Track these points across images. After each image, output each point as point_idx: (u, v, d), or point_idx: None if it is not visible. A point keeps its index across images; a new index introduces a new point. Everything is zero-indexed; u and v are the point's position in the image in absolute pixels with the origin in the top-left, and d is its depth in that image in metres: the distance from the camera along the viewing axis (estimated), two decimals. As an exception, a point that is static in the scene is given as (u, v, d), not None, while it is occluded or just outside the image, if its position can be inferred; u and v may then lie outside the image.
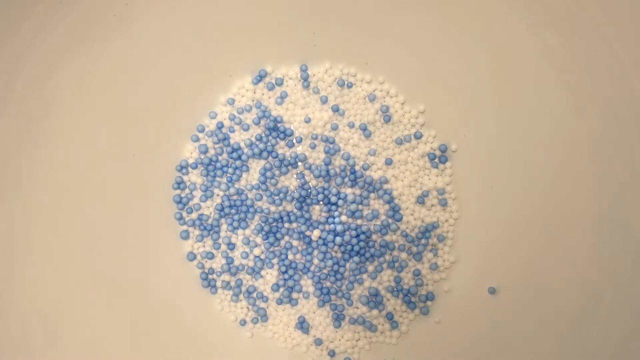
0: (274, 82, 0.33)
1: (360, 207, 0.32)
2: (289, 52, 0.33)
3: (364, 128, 0.33)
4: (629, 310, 0.27)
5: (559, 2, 0.27)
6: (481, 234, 0.32)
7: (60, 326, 0.29)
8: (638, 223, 0.27)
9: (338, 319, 0.33)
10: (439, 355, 0.32)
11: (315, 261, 0.33)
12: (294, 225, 0.33)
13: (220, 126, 0.33)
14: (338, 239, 0.32)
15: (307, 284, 0.33)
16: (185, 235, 0.33)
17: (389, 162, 0.33)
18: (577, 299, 0.28)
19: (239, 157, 0.33)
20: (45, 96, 0.29)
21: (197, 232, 0.33)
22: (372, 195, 0.33)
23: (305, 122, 0.33)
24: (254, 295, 0.33)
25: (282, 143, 0.33)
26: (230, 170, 0.33)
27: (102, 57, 0.30)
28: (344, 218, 0.32)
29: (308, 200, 0.32)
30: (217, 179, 0.33)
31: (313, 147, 0.33)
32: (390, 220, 0.32)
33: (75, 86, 0.30)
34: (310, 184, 0.33)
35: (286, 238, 0.33)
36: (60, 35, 0.28)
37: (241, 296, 0.33)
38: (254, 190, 0.33)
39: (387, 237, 0.32)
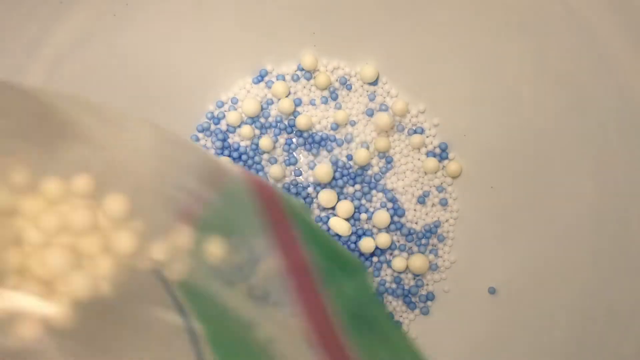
0: (274, 81, 0.33)
1: (363, 201, 0.32)
2: (289, 52, 0.33)
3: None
4: (629, 310, 0.27)
5: (558, 3, 0.27)
6: (481, 234, 0.32)
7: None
8: (638, 223, 0.27)
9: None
10: (439, 355, 0.32)
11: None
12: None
13: (220, 126, 0.33)
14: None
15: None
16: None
17: (389, 162, 0.33)
18: (577, 299, 0.28)
19: (239, 157, 0.33)
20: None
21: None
22: (373, 192, 0.33)
23: (306, 121, 0.33)
24: (254, 295, 0.33)
25: (281, 142, 0.33)
26: (230, 170, 0.33)
27: (101, 57, 0.30)
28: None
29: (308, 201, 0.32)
30: (217, 178, 0.33)
31: (313, 146, 0.33)
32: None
33: (75, 86, 0.30)
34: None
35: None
36: (60, 35, 0.28)
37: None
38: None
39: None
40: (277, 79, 0.33)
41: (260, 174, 0.33)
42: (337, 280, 0.18)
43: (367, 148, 0.32)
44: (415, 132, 0.33)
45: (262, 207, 0.18)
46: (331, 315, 0.17)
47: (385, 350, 0.19)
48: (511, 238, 0.31)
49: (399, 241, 0.32)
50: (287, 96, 0.33)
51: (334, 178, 0.32)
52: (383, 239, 0.31)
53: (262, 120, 0.33)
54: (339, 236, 0.32)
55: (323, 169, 0.31)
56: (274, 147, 0.33)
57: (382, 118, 0.31)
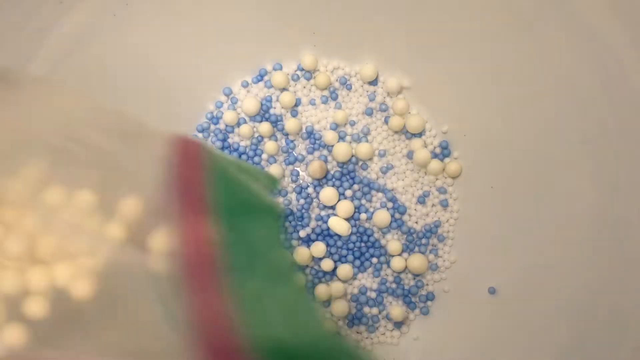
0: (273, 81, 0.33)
1: (363, 201, 0.32)
2: (289, 51, 0.33)
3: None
4: (629, 310, 0.27)
5: (558, 4, 0.27)
6: (481, 234, 0.32)
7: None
8: (639, 223, 0.27)
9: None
10: (439, 355, 0.32)
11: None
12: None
13: (219, 125, 0.33)
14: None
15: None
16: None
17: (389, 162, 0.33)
18: (577, 299, 0.28)
19: (239, 157, 0.33)
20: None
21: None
22: (373, 192, 0.33)
23: (306, 121, 0.33)
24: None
25: (282, 142, 0.33)
26: (230, 170, 0.33)
27: (101, 57, 0.30)
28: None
29: (306, 206, 0.32)
30: (217, 178, 0.33)
31: (313, 146, 0.33)
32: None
33: (74, 86, 0.30)
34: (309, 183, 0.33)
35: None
36: (60, 35, 0.28)
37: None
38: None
39: (388, 237, 0.32)
40: (274, 69, 0.33)
41: (260, 174, 0.33)
42: (237, 221, 0.18)
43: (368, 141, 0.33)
44: (414, 135, 0.33)
45: (174, 159, 0.19)
46: (217, 255, 0.17)
47: (275, 299, 0.18)
48: (511, 238, 0.31)
49: (399, 240, 0.32)
50: (287, 90, 0.33)
51: (334, 177, 0.32)
52: (394, 246, 0.32)
53: (262, 119, 0.33)
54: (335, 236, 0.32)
55: (341, 147, 0.31)
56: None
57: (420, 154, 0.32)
